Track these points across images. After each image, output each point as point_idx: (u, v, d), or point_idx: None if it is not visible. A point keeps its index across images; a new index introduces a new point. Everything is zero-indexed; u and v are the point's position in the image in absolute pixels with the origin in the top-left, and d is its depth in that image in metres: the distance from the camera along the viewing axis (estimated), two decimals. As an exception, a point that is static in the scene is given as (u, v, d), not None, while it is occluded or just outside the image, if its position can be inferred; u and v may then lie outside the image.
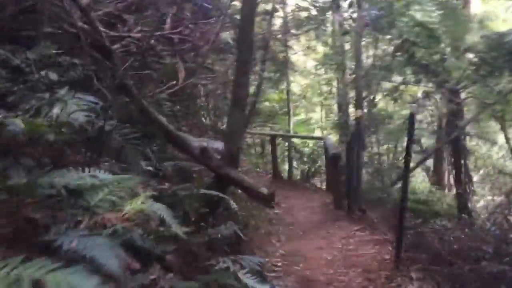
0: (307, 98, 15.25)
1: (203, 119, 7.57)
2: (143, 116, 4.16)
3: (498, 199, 11.21)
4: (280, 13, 12.02)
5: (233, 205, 4.01)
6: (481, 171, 12.33)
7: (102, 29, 5.25)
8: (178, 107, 6.28)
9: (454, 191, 11.55)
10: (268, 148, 13.45)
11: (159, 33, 6.07)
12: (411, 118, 5.21)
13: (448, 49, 9.64)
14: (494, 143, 16.14)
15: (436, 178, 13.14)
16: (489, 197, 12.52)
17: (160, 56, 5.74)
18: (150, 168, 3.71)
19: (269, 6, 8.54)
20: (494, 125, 12.38)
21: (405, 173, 5.54)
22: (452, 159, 10.11)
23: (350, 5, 5.48)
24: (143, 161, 3.80)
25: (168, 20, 6.36)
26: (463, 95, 9.73)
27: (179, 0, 6.76)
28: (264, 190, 3.85)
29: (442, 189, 12.65)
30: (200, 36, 6.57)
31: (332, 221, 8.46)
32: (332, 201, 9.89)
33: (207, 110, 7.96)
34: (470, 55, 9.47)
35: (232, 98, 4.26)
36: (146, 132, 4.48)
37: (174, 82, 5.64)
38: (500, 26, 16.52)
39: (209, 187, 4.00)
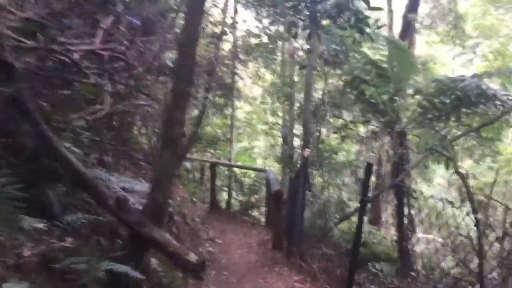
0: (251, 126, 14.53)
1: (137, 150, 6.53)
2: (45, 149, 3.17)
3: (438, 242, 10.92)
4: (230, 38, 11.32)
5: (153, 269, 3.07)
6: (422, 213, 11.99)
7: (13, 36, 4.22)
8: (105, 136, 5.25)
9: (392, 231, 11.20)
10: (208, 175, 12.52)
11: (86, 47, 5.06)
12: (368, 169, 4.51)
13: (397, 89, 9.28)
14: (429, 181, 16.18)
15: (374, 217, 12.76)
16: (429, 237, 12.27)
17: (84, 75, 4.73)
18: (42, 225, 2.72)
19: (218, 29, 7.75)
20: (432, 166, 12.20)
21: (359, 229, 4.83)
22: (395, 201, 9.66)
23: (309, 37, 4.80)
24: (34, 214, 2.80)
25: (100, 34, 5.37)
26: (409, 137, 9.36)
27: (115, 13, 5.78)
28: (193, 258, 2.96)
29: (379, 228, 12.26)
30: (137, 55, 5.62)
31: (271, 265, 7.64)
32: (271, 239, 9.10)
33: (146, 138, 6.94)
34: (419, 97, 9.12)
35: (163, 137, 3.36)
36: (52, 170, 3.47)
37: (99, 106, 4.65)
38: (440, 69, 16.81)
39: (123, 249, 3.07)
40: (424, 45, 17.57)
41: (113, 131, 5.45)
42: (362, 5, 3.95)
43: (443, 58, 19.16)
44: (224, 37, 10.76)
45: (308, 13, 4.06)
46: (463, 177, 7.41)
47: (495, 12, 16.00)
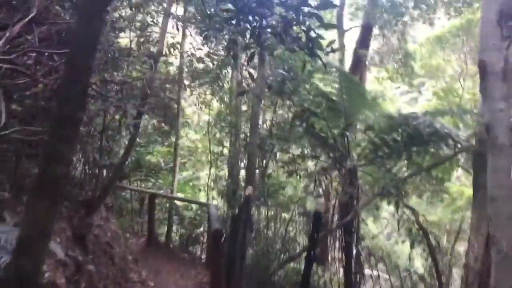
0: (196, 155, 13.51)
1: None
2: None
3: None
4: (176, 62, 10.43)
5: None
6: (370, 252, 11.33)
7: None
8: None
9: (339, 271, 10.47)
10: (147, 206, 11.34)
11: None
12: (317, 218, 3.66)
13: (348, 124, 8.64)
14: (376, 217, 15.69)
15: (320, 255, 11.98)
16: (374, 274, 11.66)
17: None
18: None
19: (155, 49, 6.82)
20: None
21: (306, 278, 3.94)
22: (342, 243, 8.89)
23: (251, 58, 3.97)
24: None
25: (0, 43, 4.31)
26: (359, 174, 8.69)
27: (26, 20, 4.75)
28: None
29: (325, 267, 11.50)
30: (46, 70, 4.58)
31: (205, 316, 6.60)
32: (209, 282, 8.07)
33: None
34: (370, 134, 8.51)
35: (39, 177, 2.37)
36: None
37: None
38: (388, 106, 16.61)
39: None
40: (373, 82, 17.38)
41: (11, 161, 4.35)
42: (314, 23, 3.21)
43: (390, 95, 19.11)
44: (171, 60, 9.86)
45: (249, 29, 3.26)
46: (420, 223, 6.76)
47: (441, 53, 16.05)
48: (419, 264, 14.75)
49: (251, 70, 8.13)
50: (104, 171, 6.56)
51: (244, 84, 9.06)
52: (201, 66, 9.41)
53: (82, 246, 5.42)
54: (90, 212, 6.35)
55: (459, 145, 7.85)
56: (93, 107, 5.65)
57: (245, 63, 6.84)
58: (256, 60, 6.22)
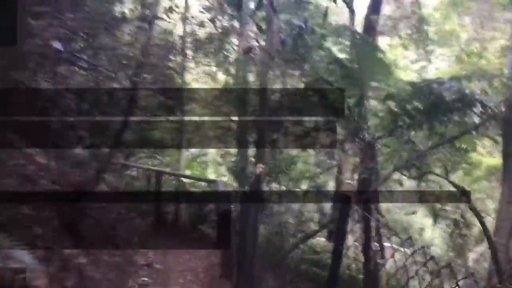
0: (203, 130, 12.69)
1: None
2: None
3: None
4: (179, 31, 9.52)
5: None
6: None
7: None
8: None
9: (354, 248, 9.82)
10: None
11: None
12: (345, 204, 2.88)
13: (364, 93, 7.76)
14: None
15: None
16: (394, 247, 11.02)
17: None
18: None
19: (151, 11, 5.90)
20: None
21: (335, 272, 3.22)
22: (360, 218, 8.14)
23: (259, 5, 3.14)
24: None
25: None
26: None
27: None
28: None
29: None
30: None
31: (215, 303, 5.93)
32: (220, 264, 7.40)
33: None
34: (389, 102, 7.63)
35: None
36: None
37: None
38: (401, 75, 15.58)
39: None
40: (384, 49, 16.30)
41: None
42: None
43: (402, 63, 18.04)
44: (171, 28, 8.96)
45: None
46: (468, 196, 6.02)
47: (456, 18, 14.92)
48: (434, 236, 14.06)
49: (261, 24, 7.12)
50: (101, 150, 5.79)
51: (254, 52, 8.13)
52: (204, 33, 8.49)
53: (75, 235, 4.70)
54: (87, 195, 5.64)
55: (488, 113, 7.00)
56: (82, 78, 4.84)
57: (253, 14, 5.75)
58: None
